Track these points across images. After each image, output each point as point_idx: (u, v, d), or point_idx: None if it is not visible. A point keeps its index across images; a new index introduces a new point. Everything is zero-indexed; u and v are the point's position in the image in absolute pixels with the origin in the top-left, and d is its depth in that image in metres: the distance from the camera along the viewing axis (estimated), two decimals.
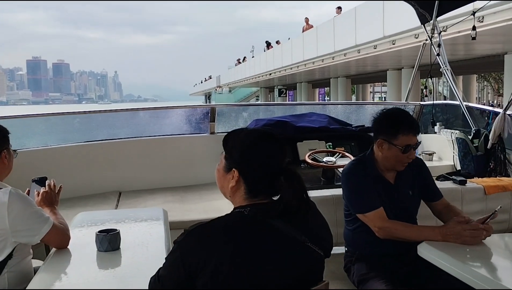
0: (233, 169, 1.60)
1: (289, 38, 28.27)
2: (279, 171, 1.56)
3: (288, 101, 36.93)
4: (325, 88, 39.54)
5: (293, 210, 1.54)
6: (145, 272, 1.94)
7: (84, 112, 5.25)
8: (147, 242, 2.37)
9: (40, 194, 2.45)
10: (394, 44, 15.51)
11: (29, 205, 2.17)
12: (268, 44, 32.48)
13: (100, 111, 5.33)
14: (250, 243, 1.49)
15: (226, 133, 5.25)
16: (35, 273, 2.15)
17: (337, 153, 4.67)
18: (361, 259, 2.50)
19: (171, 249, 1.56)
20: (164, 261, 1.59)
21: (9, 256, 2.13)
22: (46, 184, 2.54)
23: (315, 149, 4.81)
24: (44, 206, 2.40)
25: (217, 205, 4.22)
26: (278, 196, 1.58)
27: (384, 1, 14.97)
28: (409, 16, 6.54)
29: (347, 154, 4.61)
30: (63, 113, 4.82)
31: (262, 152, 1.60)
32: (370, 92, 41.24)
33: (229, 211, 1.61)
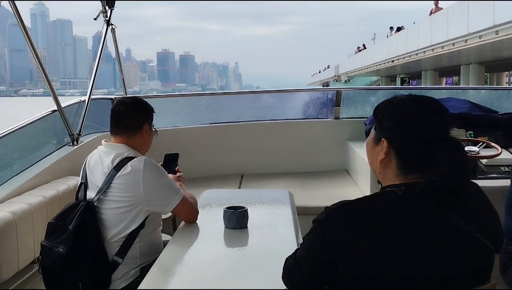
0: (382, 139, 1.38)
1: (414, 23, 26.75)
2: (437, 141, 1.31)
3: None
4: (453, 77, 36.82)
5: (453, 190, 1.28)
6: (275, 253, 1.82)
7: (211, 94, 5.33)
8: (274, 223, 2.26)
9: (172, 176, 2.48)
10: None
11: (162, 175, 2.19)
12: (392, 29, 31.07)
13: (225, 93, 5.39)
14: (405, 229, 1.26)
15: (350, 119, 4.94)
16: (164, 247, 2.14)
17: (480, 143, 4.17)
18: None
19: (309, 229, 1.40)
20: (302, 241, 1.43)
21: (142, 225, 2.15)
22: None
23: None
24: (175, 181, 2.40)
25: (342, 193, 4.00)
26: (436, 174, 1.32)
27: None
28: None
29: (492, 144, 4.08)
30: (190, 94, 4.94)
31: (417, 118, 1.34)
32: (506, 82, 37.49)
33: None
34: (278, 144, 5.01)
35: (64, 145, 3.62)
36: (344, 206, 1.33)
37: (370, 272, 1.25)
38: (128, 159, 2.15)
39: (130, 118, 2.28)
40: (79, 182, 2.29)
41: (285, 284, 1.50)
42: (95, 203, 2.12)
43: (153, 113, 2.40)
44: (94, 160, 2.25)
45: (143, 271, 2.09)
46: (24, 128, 3.18)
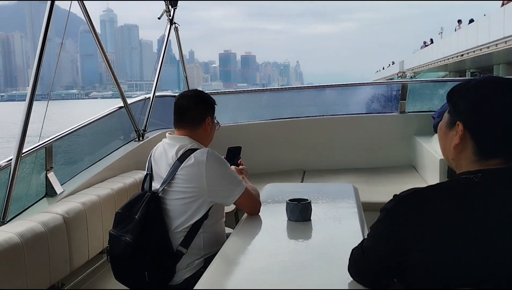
0: (457, 122, 1.28)
1: (484, 15, 25.41)
2: None
3: None
4: None
5: None
6: (340, 245, 1.77)
7: (272, 89, 5.30)
8: (339, 216, 2.20)
9: (235, 168, 2.48)
10: None
11: (225, 166, 2.20)
12: (460, 22, 29.68)
13: (286, 88, 5.33)
14: (481, 219, 1.16)
15: (417, 113, 4.72)
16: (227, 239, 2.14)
17: None
18: None
19: (377, 218, 1.33)
20: (369, 230, 1.37)
21: (205, 216, 2.16)
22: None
23: None
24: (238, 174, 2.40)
25: None
26: None
27: None
28: None
29: None
30: (252, 91, 4.94)
31: (498, 100, 1.23)
32: None
33: None
34: (341, 140, 4.91)
35: (130, 141, 3.74)
36: (414, 193, 1.25)
37: (442, 264, 1.17)
38: (191, 150, 2.16)
39: (192, 111, 2.30)
40: (145, 173, 2.34)
41: (352, 276, 1.45)
42: (160, 194, 2.15)
43: (215, 106, 2.40)
44: (159, 152, 2.29)
45: (207, 261, 2.09)
46: (93, 124, 3.30)
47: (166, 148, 2.26)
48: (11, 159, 2.28)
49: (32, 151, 2.50)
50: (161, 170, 2.22)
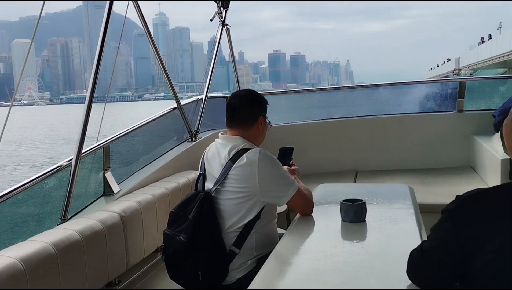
0: None
1: None
2: None
3: None
4: None
5: None
6: (396, 247, 1.72)
7: (323, 89, 5.24)
8: (395, 217, 2.14)
9: (287, 168, 2.46)
10: None
11: (277, 166, 2.19)
12: None
13: (337, 88, 5.25)
14: None
15: (476, 112, 4.50)
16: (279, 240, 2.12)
17: None
18: None
19: (435, 223, 1.28)
20: (430, 232, 1.32)
21: (258, 217, 2.15)
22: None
23: None
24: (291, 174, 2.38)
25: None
26: None
27: None
28: None
29: None
30: (303, 90, 4.90)
31: None
32: None
33: None
34: (395, 140, 4.78)
35: (183, 141, 3.80)
36: (478, 194, 1.19)
37: (509, 268, 1.11)
38: (243, 150, 2.17)
39: (245, 111, 2.30)
40: (198, 173, 2.36)
41: (411, 279, 1.40)
42: (213, 194, 2.17)
43: (267, 105, 2.39)
44: (212, 152, 2.31)
45: (259, 262, 2.09)
46: (148, 125, 3.38)
47: (218, 148, 2.27)
48: (71, 159, 2.36)
49: (90, 152, 2.59)
50: (214, 170, 2.24)
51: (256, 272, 1.99)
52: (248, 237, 2.15)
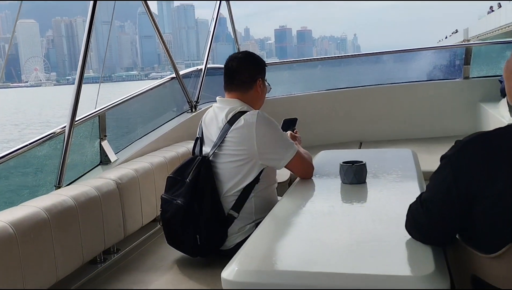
0: None
1: None
2: None
3: None
4: None
5: None
6: (397, 207, 1.67)
7: (328, 58, 5.15)
8: (397, 179, 2.08)
9: (289, 134, 2.44)
10: None
11: (275, 128, 2.13)
12: None
13: (341, 57, 5.15)
14: None
15: (482, 78, 4.40)
16: None
17: None
18: None
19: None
20: (429, 181, 1.27)
21: (256, 180, 2.11)
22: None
23: None
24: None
25: None
26: None
27: None
28: None
29: None
30: (306, 60, 4.80)
31: None
32: None
33: None
34: (400, 109, 4.69)
35: (183, 112, 3.75)
36: (480, 137, 1.13)
37: (509, 217, 1.05)
38: (241, 113, 2.11)
39: (243, 73, 2.24)
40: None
41: (410, 233, 1.35)
42: (210, 158, 2.12)
43: (266, 67, 2.33)
44: (210, 116, 2.26)
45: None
46: (147, 95, 3.33)
47: (216, 111, 2.22)
48: (65, 126, 2.32)
49: (85, 119, 2.54)
50: (211, 133, 2.19)
51: None
52: (247, 201, 2.11)
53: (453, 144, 1.28)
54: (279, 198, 2.42)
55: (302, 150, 2.27)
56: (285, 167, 2.15)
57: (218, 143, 2.11)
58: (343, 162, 2.03)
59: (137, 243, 2.46)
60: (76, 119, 2.37)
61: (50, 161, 2.34)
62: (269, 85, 2.35)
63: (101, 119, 2.69)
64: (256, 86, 2.25)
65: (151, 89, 3.41)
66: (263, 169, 2.12)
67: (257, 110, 2.14)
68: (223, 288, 1.28)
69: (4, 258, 1.59)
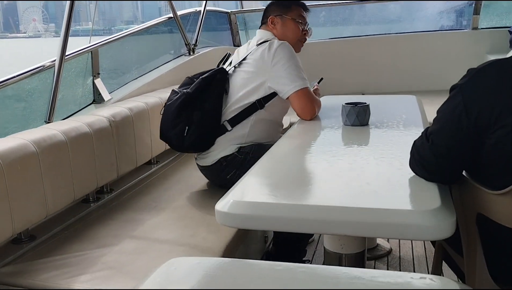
0: None
1: None
2: None
3: None
4: None
5: None
6: (401, 147, 1.59)
7: (330, 4, 4.96)
8: (401, 122, 1.99)
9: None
10: None
11: (294, 59, 2.17)
12: None
13: (346, 3, 4.95)
14: None
15: (491, 29, 4.24)
16: None
17: None
18: None
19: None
20: (436, 114, 1.18)
21: (261, 105, 2.15)
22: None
23: None
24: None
25: None
26: None
27: None
28: None
29: None
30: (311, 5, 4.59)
31: None
32: None
33: None
34: (405, 60, 4.55)
35: (181, 55, 3.63)
36: (493, 65, 1.04)
37: None
38: (269, 41, 2.20)
39: (265, 12, 2.38)
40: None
41: (414, 171, 1.27)
42: (229, 72, 2.23)
43: (289, 7, 2.34)
44: (244, 45, 2.37)
45: (242, 150, 2.14)
46: (143, 37, 3.20)
47: (251, 41, 2.32)
48: (55, 60, 2.21)
49: (77, 54, 2.43)
50: (239, 56, 2.27)
51: (238, 157, 2.08)
52: (244, 120, 2.15)
53: None
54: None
55: (315, 96, 2.25)
56: (289, 98, 2.14)
57: (240, 60, 2.21)
58: (346, 103, 1.94)
59: (131, 184, 2.40)
60: (67, 54, 2.26)
61: (40, 95, 2.24)
62: (309, 28, 2.40)
63: (94, 56, 2.57)
64: (268, 23, 2.32)
65: (148, 28, 3.27)
66: (271, 99, 2.15)
67: (285, 41, 2.19)
68: (217, 221, 1.22)
69: None
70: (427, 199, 1.14)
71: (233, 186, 1.33)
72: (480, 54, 4.36)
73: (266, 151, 1.74)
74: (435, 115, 1.20)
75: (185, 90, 2.15)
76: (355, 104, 1.93)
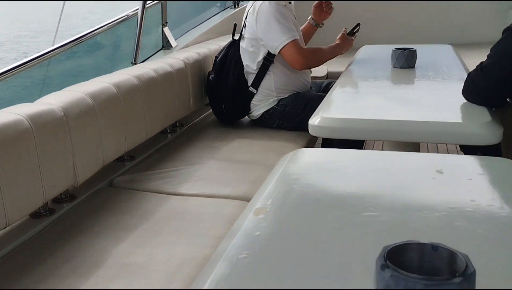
0: None
1: None
2: None
3: None
4: None
5: None
6: (449, 82, 1.92)
7: None
8: (444, 67, 2.28)
9: (341, 34, 2.60)
10: None
11: (277, 14, 2.31)
12: None
13: None
14: None
15: None
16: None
17: None
18: None
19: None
20: (489, 51, 1.47)
21: (270, 61, 2.41)
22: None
23: None
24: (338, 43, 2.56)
25: None
26: None
27: None
28: None
29: None
30: None
31: None
32: None
33: None
34: (426, 14, 4.63)
35: (226, 8, 3.88)
36: None
37: None
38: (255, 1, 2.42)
39: None
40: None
41: (466, 98, 1.57)
42: (239, 42, 2.49)
43: None
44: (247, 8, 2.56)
45: (281, 101, 2.45)
46: None
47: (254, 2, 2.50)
48: (137, 9, 2.51)
49: (152, 4, 2.72)
50: (242, 21, 2.53)
51: (277, 110, 2.40)
52: (264, 78, 2.44)
53: (480, 51, 1.43)
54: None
55: (330, 48, 2.48)
56: (280, 53, 2.36)
57: (242, 28, 2.48)
58: (396, 48, 2.24)
59: (198, 120, 2.72)
60: (148, 2, 2.56)
61: (126, 41, 2.56)
62: None
63: (163, 6, 2.86)
64: None
65: None
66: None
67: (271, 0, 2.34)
68: (310, 133, 1.56)
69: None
70: (481, 116, 1.46)
71: (321, 104, 1.72)
72: (503, 9, 4.48)
73: (304, 99, 2.22)
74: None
75: (210, 78, 2.51)
76: (404, 49, 2.23)
